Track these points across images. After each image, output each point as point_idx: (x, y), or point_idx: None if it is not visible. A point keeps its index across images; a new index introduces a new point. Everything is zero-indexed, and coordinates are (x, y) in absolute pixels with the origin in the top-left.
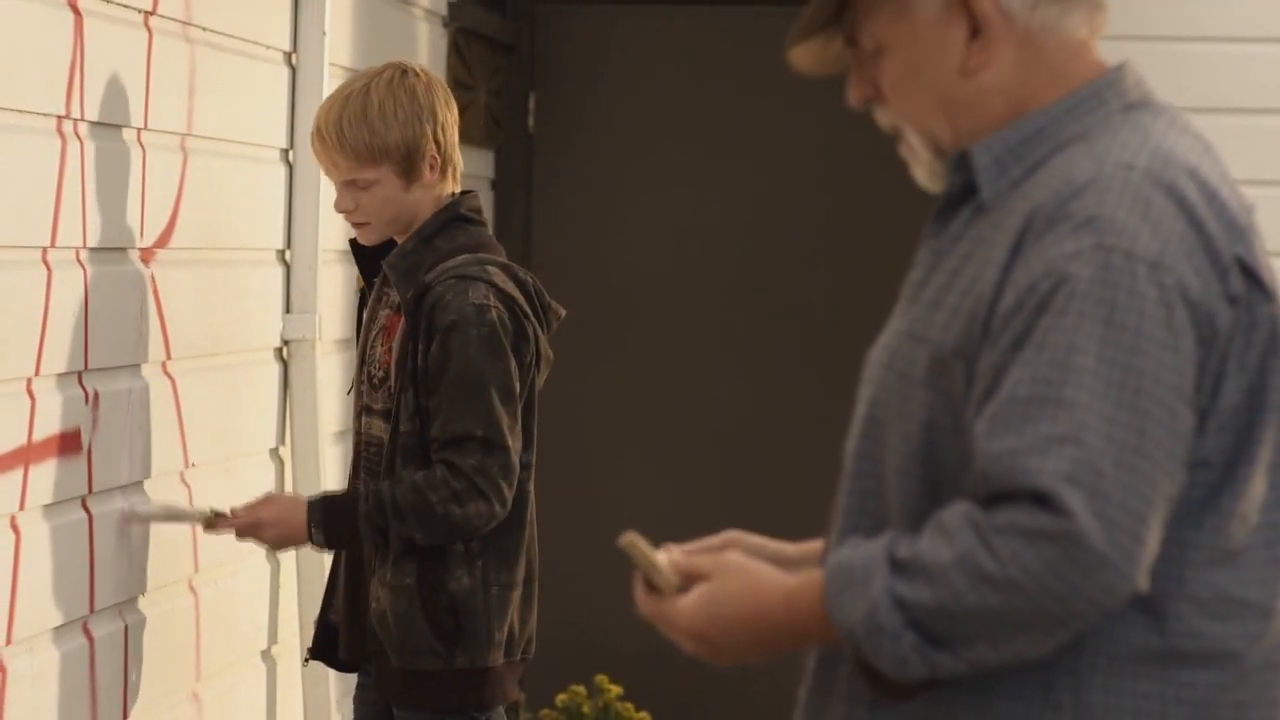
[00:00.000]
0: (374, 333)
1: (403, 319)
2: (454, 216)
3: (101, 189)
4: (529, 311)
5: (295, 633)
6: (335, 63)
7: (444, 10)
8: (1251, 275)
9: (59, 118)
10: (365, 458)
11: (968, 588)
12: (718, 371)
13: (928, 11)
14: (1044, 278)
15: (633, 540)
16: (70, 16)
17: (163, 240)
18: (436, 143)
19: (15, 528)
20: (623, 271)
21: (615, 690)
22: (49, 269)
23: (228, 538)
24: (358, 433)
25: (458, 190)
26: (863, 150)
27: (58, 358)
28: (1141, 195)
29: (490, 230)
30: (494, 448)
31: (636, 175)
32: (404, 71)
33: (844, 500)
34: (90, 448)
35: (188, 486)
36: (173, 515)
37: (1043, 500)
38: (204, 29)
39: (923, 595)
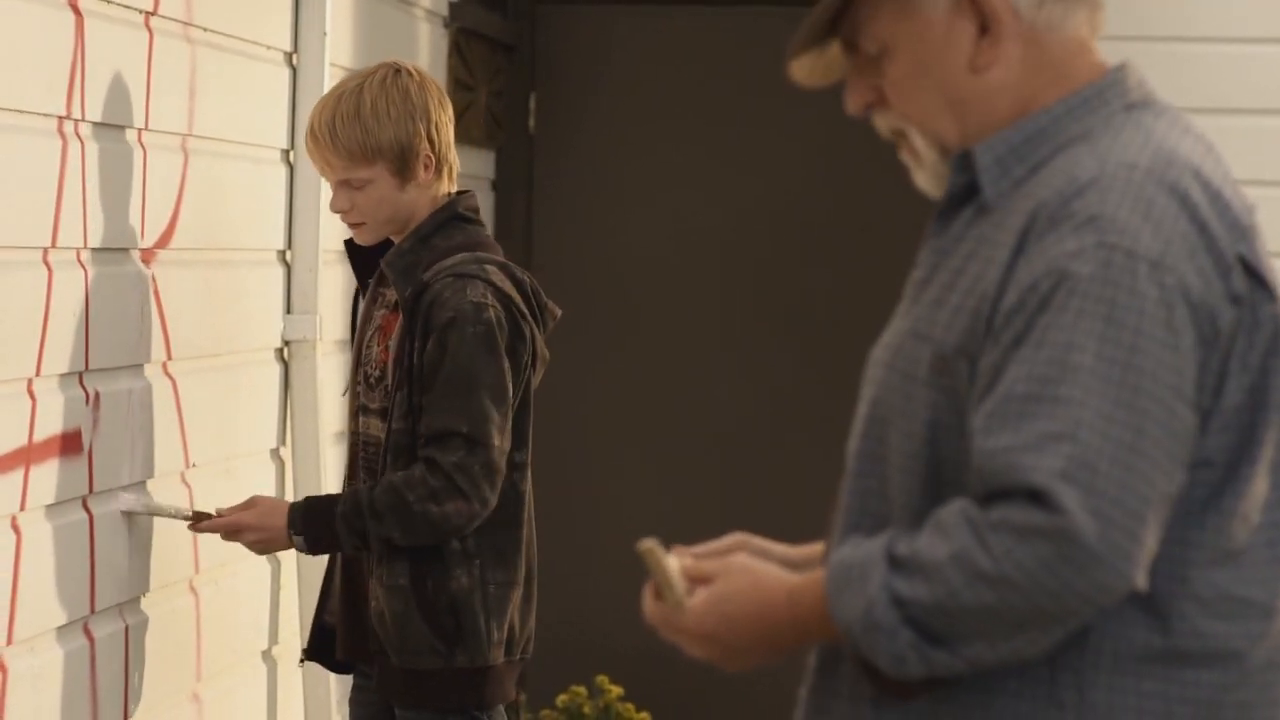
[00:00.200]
0: (369, 333)
1: (400, 317)
2: (451, 216)
3: (102, 189)
4: (526, 311)
5: (296, 633)
6: (336, 63)
7: (445, 10)
8: (1254, 275)
9: (60, 118)
10: (364, 457)
11: (963, 585)
12: (718, 371)
13: (935, 8)
14: (1045, 276)
15: (651, 548)
16: (71, 17)
17: (163, 241)
18: (430, 142)
19: (16, 528)
20: (623, 272)
21: (616, 691)
22: (50, 269)
23: None
24: (354, 433)
25: (454, 190)
26: (863, 150)
27: (59, 358)
28: (1144, 195)
29: (491, 230)
30: (477, 446)
31: (637, 176)
32: (397, 71)
33: (846, 500)
34: (91, 448)
35: (188, 487)
36: (154, 510)
37: (1037, 497)
38: (205, 29)
39: (919, 592)
